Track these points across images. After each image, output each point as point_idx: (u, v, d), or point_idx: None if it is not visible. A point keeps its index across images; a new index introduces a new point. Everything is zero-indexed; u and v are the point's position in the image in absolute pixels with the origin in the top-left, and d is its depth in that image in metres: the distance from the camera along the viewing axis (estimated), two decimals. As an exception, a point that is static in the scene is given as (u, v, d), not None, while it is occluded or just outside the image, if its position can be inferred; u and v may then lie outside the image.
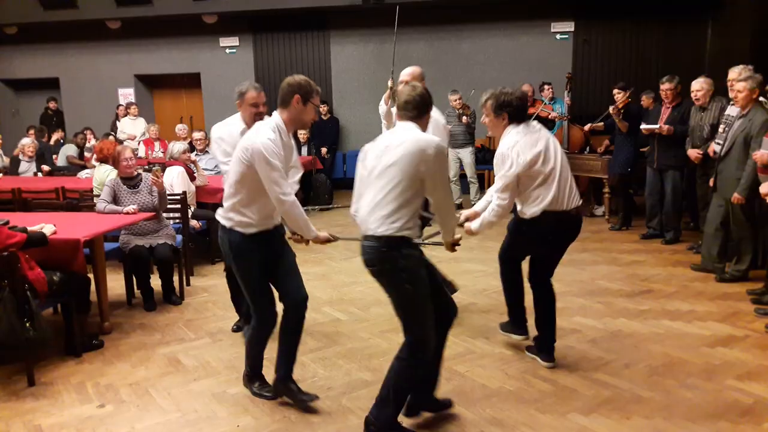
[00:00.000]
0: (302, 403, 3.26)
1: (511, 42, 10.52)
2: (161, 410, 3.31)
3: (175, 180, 5.76)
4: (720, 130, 5.38)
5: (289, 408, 3.30)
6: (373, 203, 2.76)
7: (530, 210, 3.47)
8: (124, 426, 3.16)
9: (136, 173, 5.12)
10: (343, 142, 11.11)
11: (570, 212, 3.47)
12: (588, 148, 8.17)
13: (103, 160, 5.91)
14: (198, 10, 10.77)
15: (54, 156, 9.65)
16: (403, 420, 2.99)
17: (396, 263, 2.72)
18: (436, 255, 6.12)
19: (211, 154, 4.03)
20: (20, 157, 8.56)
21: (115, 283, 5.18)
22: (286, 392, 3.30)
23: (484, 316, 4.54)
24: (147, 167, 6.99)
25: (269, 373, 3.54)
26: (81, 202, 5.67)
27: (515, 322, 3.95)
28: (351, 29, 10.99)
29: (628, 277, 5.47)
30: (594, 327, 4.33)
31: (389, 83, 6.06)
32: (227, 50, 11.62)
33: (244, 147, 2.95)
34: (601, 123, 7.42)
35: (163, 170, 5.68)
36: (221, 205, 3.18)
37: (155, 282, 5.04)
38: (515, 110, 3.45)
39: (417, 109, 2.85)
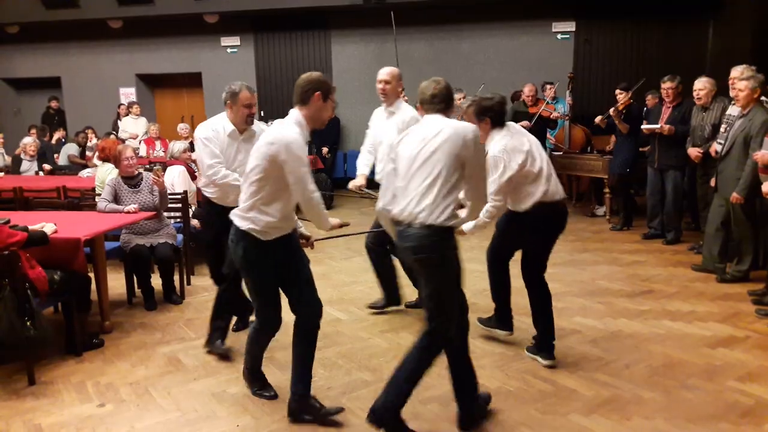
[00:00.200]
0: (327, 417, 3.12)
1: (511, 42, 10.52)
2: (161, 409, 3.31)
3: (176, 179, 5.76)
4: (721, 129, 5.37)
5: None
6: (419, 193, 2.80)
7: (522, 206, 3.59)
8: (124, 425, 3.16)
9: (137, 172, 5.13)
10: (344, 142, 11.12)
11: (558, 203, 3.64)
12: (589, 148, 8.17)
13: (105, 159, 5.92)
14: (199, 10, 10.79)
15: (55, 155, 9.66)
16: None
17: (445, 252, 2.82)
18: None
19: (195, 156, 3.94)
20: (22, 156, 8.57)
21: (116, 282, 5.18)
22: (308, 410, 3.13)
23: (484, 316, 4.52)
24: (148, 166, 7.01)
25: (269, 372, 3.54)
26: (82, 201, 5.68)
27: (501, 319, 4.03)
28: (352, 29, 10.99)
29: (628, 277, 5.46)
30: (594, 327, 4.33)
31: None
32: (228, 50, 11.63)
33: (269, 142, 2.87)
34: (606, 119, 7.38)
35: (164, 169, 5.69)
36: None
37: (156, 281, 5.05)
38: (497, 115, 3.59)
39: (444, 102, 2.98)
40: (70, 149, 9.76)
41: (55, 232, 4.00)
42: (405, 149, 2.93)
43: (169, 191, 5.31)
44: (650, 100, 7.25)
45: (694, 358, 3.79)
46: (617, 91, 7.05)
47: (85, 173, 7.55)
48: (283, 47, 11.46)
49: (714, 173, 5.33)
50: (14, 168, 8.57)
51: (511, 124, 3.66)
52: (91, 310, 4.24)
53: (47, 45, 12.13)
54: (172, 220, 5.39)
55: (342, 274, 5.76)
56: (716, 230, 5.29)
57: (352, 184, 4.56)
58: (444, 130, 2.84)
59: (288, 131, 2.88)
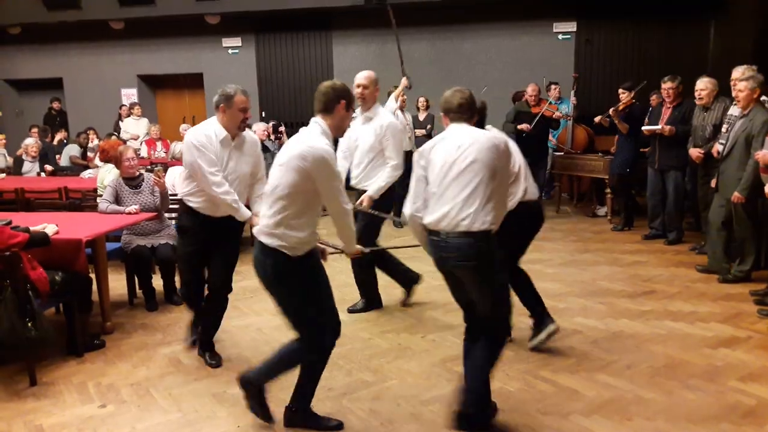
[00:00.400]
0: (330, 429, 3.07)
1: (513, 42, 10.52)
2: (162, 410, 3.31)
3: (177, 180, 5.75)
4: (723, 130, 5.36)
5: (290, 408, 3.30)
6: (460, 201, 2.84)
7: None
8: (125, 426, 3.17)
9: (138, 173, 5.13)
10: (345, 142, 11.13)
11: (536, 202, 3.75)
12: (592, 149, 8.15)
13: (106, 160, 5.92)
14: (201, 11, 10.80)
15: (57, 156, 9.68)
16: None
17: (492, 256, 2.89)
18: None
19: (186, 165, 3.60)
20: (23, 157, 8.59)
21: (117, 283, 5.19)
22: (309, 420, 3.05)
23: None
24: (149, 167, 7.02)
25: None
26: (83, 202, 5.69)
27: (542, 320, 3.94)
28: (353, 30, 11.00)
29: (630, 277, 5.46)
30: (596, 328, 4.32)
31: (404, 81, 6.05)
32: (230, 50, 11.64)
33: (301, 155, 2.72)
34: (608, 118, 7.37)
35: (165, 170, 5.70)
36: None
37: (157, 282, 5.05)
38: (480, 119, 3.66)
39: (470, 111, 3.04)
40: (72, 150, 9.78)
41: (57, 233, 4.01)
42: (439, 156, 2.94)
43: (170, 192, 5.31)
44: (655, 100, 7.23)
45: (696, 358, 3.79)
46: (620, 91, 7.05)
47: (86, 174, 7.56)
48: (284, 48, 11.47)
49: (715, 174, 5.32)
50: (16, 169, 8.58)
51: (489, 126, 3.72)
52: (92, 310, 4.25)
53: (49, 46, 12.15)
54: (173, 221, 5.39)
55: (343, 275, 5.74)
56: (718, 231, 5.29)
57: None
58: (480, 140, 2.89)
59: (319, 143, 2.77)
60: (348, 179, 4.52)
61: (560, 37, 10.43)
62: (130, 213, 4.81)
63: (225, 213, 3.62)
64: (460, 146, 2.89)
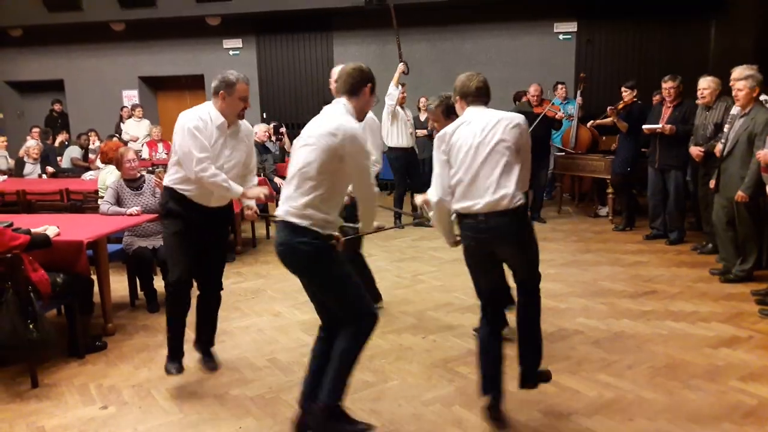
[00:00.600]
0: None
1: (513, 42, 10.52)
2: (164, 411, 3.31)
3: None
4: (725, 129, 5.36)
5: (291, 409, 3.29)
6: (494, 181, 2.88)
7: None
8: (126, 427, 3.17)
9: (139, 175, 5.14)
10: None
11: None
12: (595, 149, 8.14)
13: (108, 161, 5.93)
14: (201, 12, 10.82)
15: (58, 158, 9.70)
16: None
17: (531, 227, 3.03)
18: (440, 257, 6.14)
19: (176, 148, 3.36)
20: (25, 158, 8.60)
21: (119, 285, 5.19)
22: (337, 421, 2.79)
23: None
24: (150, 169, 7.03)
25: (270, 374, 3.53)
26: (85, 203, 5.69)
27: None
28: (354, 30, 11.01)
29: (631, 277, 5.45)
30: (597, 328, 4.32)
31: (401, 67, 6.01)
32: (231, 52, 11.66)
33: (331, 132, 2.66)
34: (608, 120, 7.37)
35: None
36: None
37: (158, 283, 5.04)
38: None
39: (487, 95, 3.09)
40: (73, 152, 9.80)
41: (58, 234, 4.01)
42: (463, 140, 2.94)
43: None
44: (657, 99, 7.24)
45: (697, 358, 3.78)
46: (623, 89, 7.06)
47: (87, 176, 7.57)
48: (285, 49, 11.49)
49: (714, 174, 5.31)
50: (17, 171, 8.60)
51: None
52: (93, 312, 4.25)
53: (50, 48, 12.18)
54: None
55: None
56: (725, 231, 5.27)
57: None
58: (502, 121, 2.94)
59: (348, 121, 2.73)
60: None
61: (561, 37, 10.43)
62: (131, 214, 4.82)
63: (218, 202, 3.48)
64: (484, 128, 2.92)
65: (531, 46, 10.44)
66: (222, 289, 3.75)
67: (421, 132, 8.53)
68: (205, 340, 3.78)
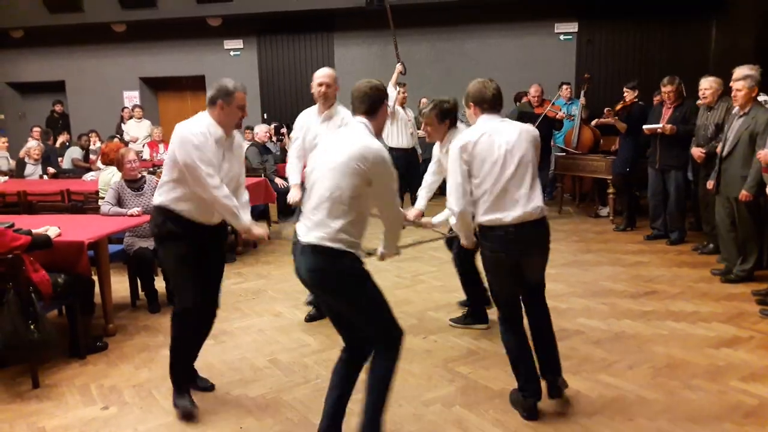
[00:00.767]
0: None
1: (514, 43, 10.52)
2: (164, 412, 3.31)
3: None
4: (726, 129, 5.36)
5: (292, 410, 3.30)
6: (525, 195, 2.98)
7: None
8: (127, 428, 3.17)
9: (140, 176, 5.15)
10: (347, 144, 11.13)
11: None
12: (597, 149, 8.14)
13: (108, 162, 5.94)
14: (202, 13, 10.83)
15: (59, 159, 9.71)
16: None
17: (549, 237, 3.15)
18: (440, 257, 6.14)
19: (176, 162, 3.12)
20: (26, 159, 8.61)
21: (119, 285, 5.20)
22: None
23: (488, 318, 4.52)
24: (151, 169, 7.04)
25: (272, 375, 3.53)
26: (86, 204, 5.70)
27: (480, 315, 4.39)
28: (355, 31, 11.02)
29: (632, 278, 5.45)
30: (598, 328, 4.32)
31: (399, 67, 6.03)
32: (231, 53, 11.67)
33: (362, 156, 2.56)
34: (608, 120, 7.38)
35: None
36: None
37: (159, 284, 5.06)
38: (454, 117, 4.02)
39: (501, 103, 3.16)
40: (74, 153, 9.82)
41: (59, 235, 4.02)
42: (487, 152, 2.98)
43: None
44: (658, 99, 7.24)
45: (698, 358, 3.78)
46: (625, 90, 7.07)
47: (88, 176, 7.58)
48: (286, 50, 11.49)
49: (713, 174, 5.31)
50: (18, 172, 8.61)
51: (462, 126, 4.05)
52: (94, 313, 4.25)
53: (51, 49, 12.20)
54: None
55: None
56: (728, 231, 5.26)
57: (292, 200, 4.28)
58: (522, 133, 3.03)
59: (375, 144, 2.64)
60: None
61: (562, 37, 10.43)
62: (132, 215, 4.82)
63: (217, 220, 3.29)
64: (508, 141, 2.99)
65: (532, 46, 10.44)
66: (219, 306, 3.54)
67: (423, 132, 8.51)
68: (190, 368, 3.54)
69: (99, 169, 7.37)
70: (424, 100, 8.87)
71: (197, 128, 3.13)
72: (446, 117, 3.96)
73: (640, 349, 3.94)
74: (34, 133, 9.77)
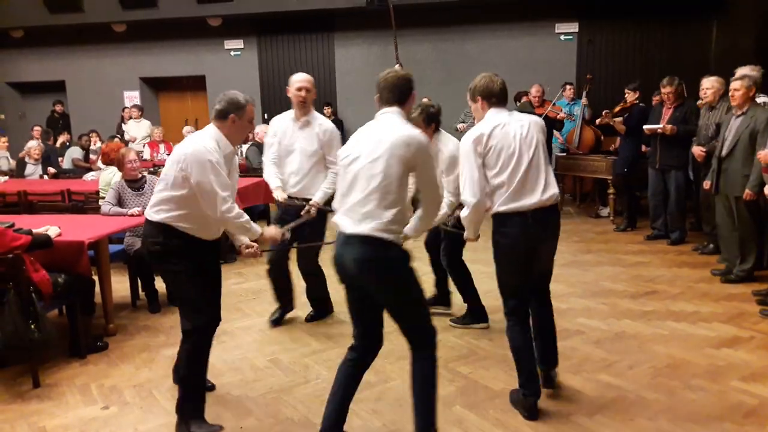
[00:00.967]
0: None
1: (515, 43, 10.51)
2: (165, 412, 3.31)
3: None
4: (723, 129, 5.36)
5: (293, 410, 3.31)
6: (543, 182, 3.06)
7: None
8: (127, 427, 3.17)
9: (140, 175, 5.15)
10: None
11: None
12: (598, 150, 8.14)
13: (109, 162, 5.94)
14: (203, 13, 10.82)
15: (60, 158, 9.71)
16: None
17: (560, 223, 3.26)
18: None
19: (186, 180, 2.94)
20: (26, 159, 8.62)
21: (120, 285, 5.20)
22: None
23: (488, 317, 4.52)
24: (152, 169, 7.04)
25: (273, 374, 3.53)
26: (86, 204, 5.70)
27: (480, 315, 4.45)
28: (355, 31, 11.01)
29: (632, 278, 5.45)
30: (598, 328, 4.32)
31: (397, 69, 6.02)
32: (232, 53, 11.67)
33: (406, 143, 2.58)
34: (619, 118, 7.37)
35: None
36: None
37: (159, 284, 5.05)
38: (439, 122, 4.19)
39: (507, 97, 3.21)
40: (74, 153, 9.81)
41: (59, 235, 4.02)
42: (503, 142, 3.03)
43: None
44: (657, 99, 7.24)
45: (698, 358, 3.78)
46: (626, 90, 7.07)
47: (89, 176, 7.58)
48: (286, 50, 11.49)
49: (710, 174, 5.31)
50: (19, 171, 8.61)
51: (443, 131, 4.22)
52: (95, 313, 4.25)
53: (52, 49, 12.19)
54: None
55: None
56: (730, 232, 5.25)
57: (281, 197, 4.27)
58: (531, 123, 3.11)
59: (414, 130, 2.66)
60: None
61: (562, 37, 10.42)
62: (132, 215, 4.82)
63: (218, 235, 3.19)
64: (522, 131, 3.06)
65: (532, 46, 10.43)
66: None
67: None
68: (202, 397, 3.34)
69: (99, 169, 7.37)
70: (425, 100, 8.86)
71: (211, 144, 2.97)
72: (432, 121, 4.11)
73: (641, 349, 3.94)
74: (35, 131, 9.77)
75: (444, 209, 3.90)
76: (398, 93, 2.74)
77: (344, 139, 10.06)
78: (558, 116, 8.12)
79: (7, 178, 7.97)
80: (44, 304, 3.70)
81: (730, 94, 5.10)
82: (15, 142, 10.38)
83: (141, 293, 5.11)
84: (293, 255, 4.45)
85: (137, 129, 10.60)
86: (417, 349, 2.76)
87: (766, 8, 8.35)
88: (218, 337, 4.21)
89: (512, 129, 3.05)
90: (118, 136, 10.01)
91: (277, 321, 4.57)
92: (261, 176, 7.42)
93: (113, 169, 5.82)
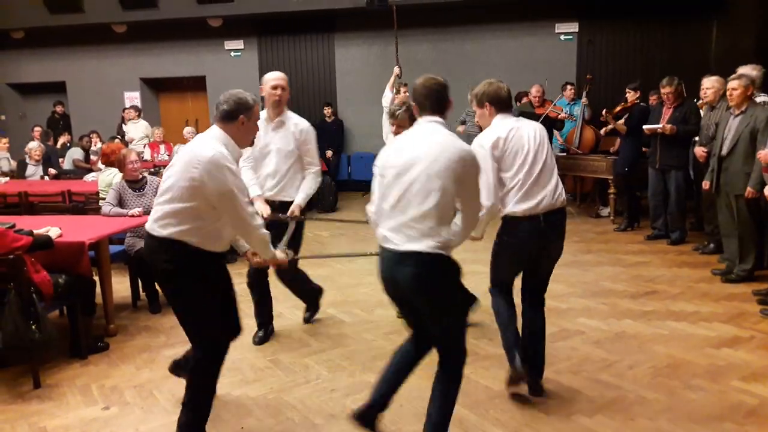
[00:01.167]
0: None
1: (515, 43, 10.51)
2: (165, 412, 3.32)
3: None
4: (722, 128, 5.36)
5: (293, 409, 3.31)
6: (554, 184, 3.23)
7: None
8: (128, 428, 3.18)
9: (141, 176, 5.16)
10: (348, 144, 11.11)
11: None
12: (598, 149, 8.14)
13: (109, 163, 5.94)
14: (203, 14, 10.82)
15: (60, 159, 9.71)
16: None
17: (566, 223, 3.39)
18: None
19: (198, 189, 2.69)
20: (27, 160, 8.62)
21: (121, 286, 5.21)
22: None
23: (489, 317, 4.52)
24: (152, 170, 7.04)
25: (273, 375, 3.53)
26: (87, 205, 5.71)
27: None
28: (355, 31, 11.01)
29: (632, 278, 5.45)
30: (598, 328, 4.32)
31: (396, 70, 6.02)
32: (232, 53, 11.67)
33: (461, 158, 2.52)
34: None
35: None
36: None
37: (160, 284, 5.07)
38: None
39: (512, 105, 3.32)
40: (75, 153, 9.81)
41: (60, 236, 4.03)
42: (517, 145, 3.13)
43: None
44: (655, 99, 7.25)
45: (698, 358, 3.78)
46: (627, 90, 7.08)
47: (89, 177, 7.59)
48: (286, 50, 11.49)
49: (708, 175, 5.30)
50: (19, 172, 8.61)
51: None
52: (95, 313, 4.26)
53: (52, 50, 12.19)
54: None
55: (345, 276, 5.77)
56: (733, 231, 5.25)
57: (265, 213, 3.94)
58: (537, 128, 3.22)
59: (466, 146, 2.62)
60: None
61: (562, 37, 10.42)
62: (133, 216, 4.83)
63: (226, 248, 3.01)
64: (534, 134, 3.18)
65: (532, 46, 10.43)
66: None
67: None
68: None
69: (100, 169, 7.37)
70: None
71: (225, 150, 2.75)
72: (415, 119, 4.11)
73: (641, 349, 3.95)
74: (36, 132, 9.77)
75: None
76: (437, 101, 2.65)
77: (345, 140, 10.13)
78: (559, 116, 8.13)
79: (7, 179, 7.97)
80: (45, 305, 3.70)
81: (727, 93, 5.11)
82: (15, 143, 10.38)
83: (142, 294, 5.12)
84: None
85: (134, 129, 10.60)
86: (445, 369, 2.74)
87: (766, 8, 8.35)
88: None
89: (525, 132, 3.16)
90: (119, 136, 10.01)
91: (265, 338, 4.32)
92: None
93: (112, 170, 5.82)
